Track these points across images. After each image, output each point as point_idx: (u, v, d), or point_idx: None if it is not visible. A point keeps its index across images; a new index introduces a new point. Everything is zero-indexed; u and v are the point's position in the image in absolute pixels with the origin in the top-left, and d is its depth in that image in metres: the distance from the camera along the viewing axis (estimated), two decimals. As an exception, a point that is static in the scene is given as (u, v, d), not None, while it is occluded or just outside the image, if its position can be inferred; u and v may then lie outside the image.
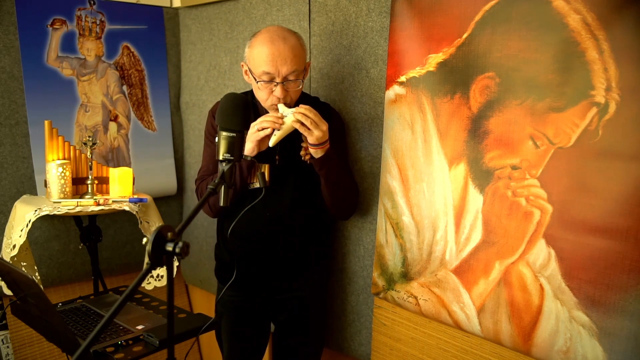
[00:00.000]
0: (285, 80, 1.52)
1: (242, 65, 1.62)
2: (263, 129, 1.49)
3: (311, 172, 1.59)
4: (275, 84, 1.52)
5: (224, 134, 1.21)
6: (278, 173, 1.61)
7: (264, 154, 1.54)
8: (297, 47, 1.54)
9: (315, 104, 1.68)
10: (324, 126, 1.49)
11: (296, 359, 1.81)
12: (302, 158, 1.57)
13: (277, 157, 1.61)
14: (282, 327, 1.79)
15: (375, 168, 1.73)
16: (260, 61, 1.51)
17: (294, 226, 1.66)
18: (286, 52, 1.50)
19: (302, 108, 1.47)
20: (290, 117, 1.47)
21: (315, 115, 1.47)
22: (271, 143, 1.50)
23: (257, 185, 1.61)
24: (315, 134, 1.47)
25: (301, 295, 1.74)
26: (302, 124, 1.46)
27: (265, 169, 1.59)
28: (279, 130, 1.48)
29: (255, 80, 1.54)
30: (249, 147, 1.50)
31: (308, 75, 1.91)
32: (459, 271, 1.48)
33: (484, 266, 1.42)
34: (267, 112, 1.58)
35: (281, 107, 1.52)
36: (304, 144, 1.57)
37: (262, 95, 1.55)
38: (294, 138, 1.52)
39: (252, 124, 1.49)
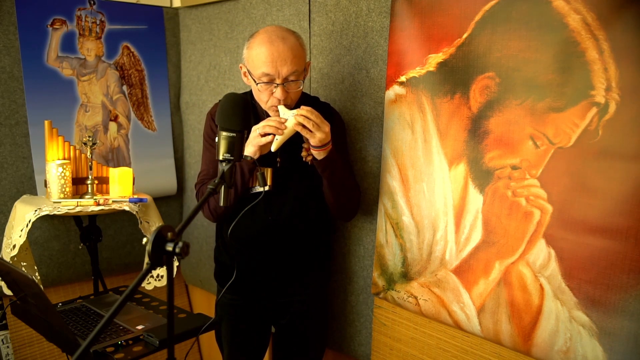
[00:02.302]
0: (285, 81, 1.49)
1: (241, 67, 1.59)
2: (265, 134, 1.46)
3: (313, 174, 1.58)
4: (276, 85, 1.49)
5: (224, 134, 1.20)
6: (280, 176, 1.60)
7: (265, 157, 1.52)
8: (297, 47, 1.51)
9: (315, 104, 1.66)
10: (327, 127, 1.46)
11: None
12: (304, 159, 1.55)
13: (278, 160, 1.59)
14: (284, 330, 1.78)
15: (375, 168, 1.73)
16: (259, 62, 1.48)
17: (296, 229, 1.65)
18: (286, 53, 1.47)
19: (304, 110, 1.44)
20: (292, 119, 1.44)
21: (317, 117, 1.45)
22: (273, 148, 1.47)
23: (259, 189, 1.59)
24: (317, 136, 1.44)
25: (302, 298, 1.72)
26: (304, 126, 1.44)
27: (268, 172, 1.58)
28: (281, 135, 1.46)
29: (255, 82, 1.51)
30: (251, 151, 1.47)
31: (308, 75, 1.91)
32: (459, 271, 1.48)
33: (484, 266, 1.42)
34: (267, 114, 1.57)
35: (282, 109, 1.49)
36: (305, 145, 1.54)
37: (262, 97, 1.53)
38: (295, 139, 1.50)
39: (254, 128, 1.47)
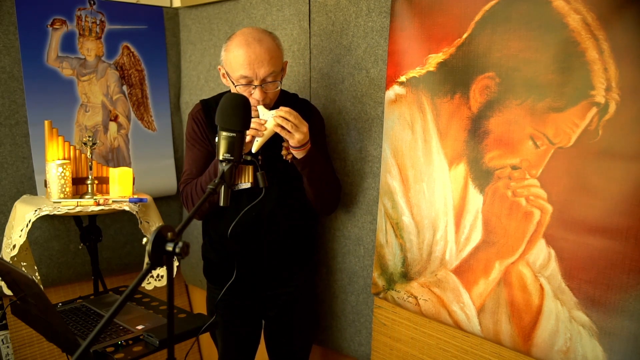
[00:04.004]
0: (263, 82, 1.52)
1: (220, 69, 1.62)
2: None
3: (294, 171, 1.61)
4: (254, 86, 1.52)
5: (224, 134, 1.21)
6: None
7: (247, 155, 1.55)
8: (274, 48, 1.54)
9: (294, 101, 1.70)
10: (305, 128, 1.50)
11: (287, 353, 1.84)
12: (284, 157, 1.59)
13: (259, 158, 1.61)
14: (272, 323, 1.82)
15: (375, 168, 1.73)
16: (237, 65, 1.51)
17: (280, 224, 1.68)
18: (263, 54, 1.50)
19: (283, 111, 1.48)
20: (271, 120, 1.48)
21: (295, 118, 1.48)
22: (254, 149, 1.51)
23: (242, 186, 1.62)
24: (296, 136, 1.49)
25: (290, 290, 1.76)
26: (283, 127, 1.47)
27: (249, 170, 1.60)
28: (261, 136, 1.49)
29: (234, 84, 1.54)
30: None
31: (308, 76, 1.92)
32: (459, 271, 1.48)
33: (484, 266, 1.42)
34: None
35: (261, 109, 1.52)
36: (285, 144, 1.58)
37: None
38: (275, 138, 1.53)
39: None
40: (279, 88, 1.59)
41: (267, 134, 1.50)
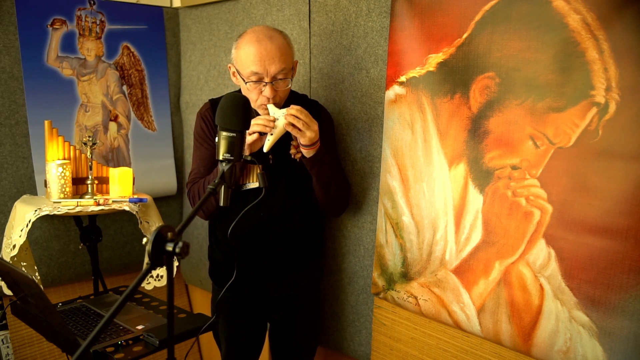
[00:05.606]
0: (274, 79, 1.52)
1: (230, 67, 1.62)
2: (254, 132, 1.48)
3: (304, 171, 1.61)
4: (264, 84, 1.52)
5: (224, 134, 1.21)
6: (271, 173, 1.62)
7: (256, 155, 1.54)
8: (284, 46, 1.54)
9: (303, 101, 1.69)
10: (315, 126, 1.50)
11: (292, 357, 1.82)
12: (293, 156, 1.59)
13: (270, 157, 1.61)
14: (277, 326, 1.81)
15: (375, 168, 1.73)
16: (248, 62, 1.51)
17: (287, 225, 1.67)
18: (274, 51, 1.50)
19: (294, 109, 1.47)
20: (282, 119, 1.48)
21: (306, 116, 1.48)
22: (265, 149, 1.50)
23: (250, 186, 1.61)
24: (307, 135, 1.48)
25: (295, 293, 1.75)
26: (294, 125, 1.47)
27: (259, 169, 1.60)
28: (271, 134, 1.49)
29: (244, 81, 1.54)
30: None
31: (308, 76, 1.92)
32: (459, 271, 1.48)
33: (484, 266, 1.42)
34: (257, 112, 1.59)
35: (271, 107, 1.51)
36: (293, 143, 1.57)
37: (251, 96, 1.55)
38: (285, 137, 1.53)
39: None
40: (289, 86, 1.58)
41: (278, 132, 1.49)
